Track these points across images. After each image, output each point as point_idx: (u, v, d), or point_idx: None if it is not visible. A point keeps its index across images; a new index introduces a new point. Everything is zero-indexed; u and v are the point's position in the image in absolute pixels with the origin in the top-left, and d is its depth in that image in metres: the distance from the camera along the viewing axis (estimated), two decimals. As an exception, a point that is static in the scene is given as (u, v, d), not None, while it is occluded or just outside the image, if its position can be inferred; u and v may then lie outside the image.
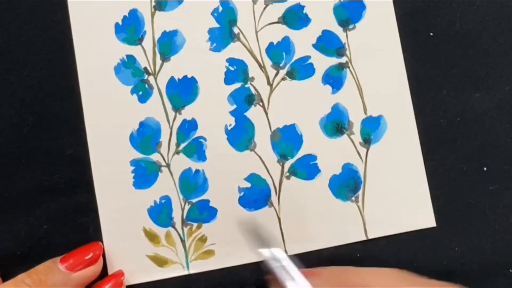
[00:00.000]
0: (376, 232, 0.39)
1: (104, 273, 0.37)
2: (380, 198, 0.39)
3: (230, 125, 0.39)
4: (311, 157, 0.39)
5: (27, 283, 0.34)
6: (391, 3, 0.40)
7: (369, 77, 0.40)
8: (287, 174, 0.39)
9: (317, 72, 0.40)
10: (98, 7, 0.39)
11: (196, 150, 0.39)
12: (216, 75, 0.39)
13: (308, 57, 0.40)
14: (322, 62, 0.40)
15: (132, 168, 0.38)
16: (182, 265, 0.38)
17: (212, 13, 0.40)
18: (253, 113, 0.39)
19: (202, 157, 0.39)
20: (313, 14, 0.40)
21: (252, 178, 0.39)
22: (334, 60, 0.40)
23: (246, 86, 0.39)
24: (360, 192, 0.39)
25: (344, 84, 0.40)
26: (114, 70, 0.39)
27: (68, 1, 0.39)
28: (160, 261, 0.38)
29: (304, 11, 0.40)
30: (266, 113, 0.39)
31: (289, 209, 0.38)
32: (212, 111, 0.39)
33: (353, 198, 0.39)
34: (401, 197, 0.39)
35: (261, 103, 0.39)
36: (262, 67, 0.39)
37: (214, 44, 0.39)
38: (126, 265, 0.38)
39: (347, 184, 0.39)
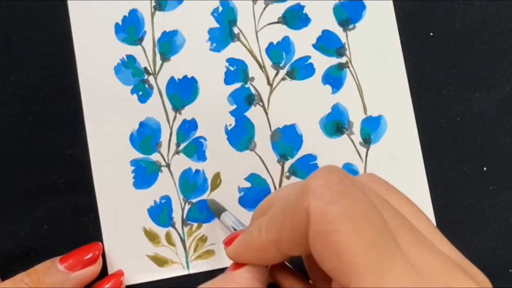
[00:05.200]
0: (376, 232, 0.39)
1: (104, 273, 0.37)
2: (380, 198, 0.39)
3: (230, 125, 0.39)
4: (311, 157, 0.39)
5: (26, 283, 0.34)
6: (391, 3, 0.40)
7: (369, 77, 0.40)
8: (287, 174, 0.39)
9: (317, 72, 0.40)
10: (98, 7, 0.39)
11: (196, 150, 0.39)
12: (216, 75, 0.39)
13: (308, 57, 0.40)
14: (322, 62, 0.40)
15: (132, 168, 0.38)
16: (182, 265, 0.38)
17: (212, 13, 0.40)
18: (253, 113, 0.39)
19: (202, 157, 0.39)
20: (313, 14, 0.40)
21: (252, 178, 0.39)
22: (334, 60, 0.40)
23: (246, 86, 0.39)
24: (360, 192, 0.39)
25: (344, 84, 0.40)
26: (114, 70, 0.39)
27: (68, 1, 0.39)
28: (160, 261, 0.38)
29: (304, 11, 0.40)
30: (266, 113, 0.39)
31: (289, 209, 0.38)
32: (212, 111, 0.39)
33: (353, 198, 0.39)
34: (401, 197, 0.39)
35: (261, 103, 0.39)
36: (262, 67, 0.39)
37: (214, 44, 0.39)
38: (126, 265, 0.38)
39: (347, 184, 0.39)
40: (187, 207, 0.38)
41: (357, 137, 0.39)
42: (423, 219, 0.26)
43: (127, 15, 0.39)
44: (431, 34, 0.40)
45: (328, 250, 0.22)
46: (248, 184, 0.39)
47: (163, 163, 0.39)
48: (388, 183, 0.28)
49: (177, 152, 0.39)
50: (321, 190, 0.23)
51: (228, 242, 0.28)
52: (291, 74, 0.39)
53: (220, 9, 0.40)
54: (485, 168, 0.39)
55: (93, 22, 0.39)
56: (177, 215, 0.38)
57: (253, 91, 0.39)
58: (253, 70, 0.39)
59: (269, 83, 0.39)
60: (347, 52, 0.40)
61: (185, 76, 0.39)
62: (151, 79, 0.39)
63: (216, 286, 0.26)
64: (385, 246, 0.22)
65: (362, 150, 0.39)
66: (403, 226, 0.24)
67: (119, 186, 0.38)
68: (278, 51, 0.40)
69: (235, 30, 0.40)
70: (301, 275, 0.28)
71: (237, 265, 0.27)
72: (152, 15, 0.39)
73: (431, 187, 0.39)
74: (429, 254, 0.23)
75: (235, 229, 0.33)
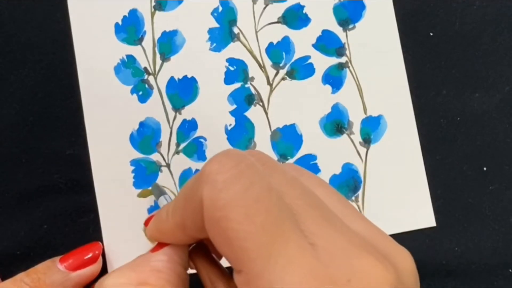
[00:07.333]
0: (376, 232, 0.39)
1: (104, 273, 0.37)
2: (380, 197, 0.39)
3: (230, 125, 0.39)
4: (311, 157, 0.39)
5: (26, 282, 0.34)
6: (391, 3, 0.40)
7: (369, 77, 0.40)
8: (287, 174, 0.39)
9: (317, 72, 0.40)
10: (98, 7, 0.39)
11: (196, 150, 0.39)
12: (216, 75, 0.39)
13: (308, 57, 0.40)
14: (322, 62, 0.40)
15: (132, 168, 0.38)
16: (182, 265, 0.38)
17: (212, 13, 0.40)
18: (253, 113, 0.39)
19: (202, 157, 0.39)
20: (313, 14, 0.40)
21: (252, 178, 0.39)
22: (334, 60, 0.40)
23: (246, 86, 0.39)
24: (360, 192, 0.39)
25: (344, 84, 0.40)
26: (114, 70, 0.39)
27: (68, 1, 0.39)
28: (160, 261, 0.38)
29: (304, 11, 0.40)
30: (266, 113, 0.39)
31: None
32: (212, 111, 0.39)
33: (353, 198, 0.39)
34: (401, 197, 0.39)
35: (261, 103, 0.39)
36: (262, 67, 0.39)
37: (214, 44, 0.39)
38: (126, 265, 0.38)
39: (347, 184, 0.39)
40: (187, 207, 0.38)
41: (357, 137, 0.39)
42: (336, 198, 0.25)
43: (127, 15, 0.39)
44: (431, 34, 0.40)
45: (220, 236, 0.22)
46: (248, 184, 0.39)
47: (163, 163, 0.39)
48: (304, 169, 0.27)
49: (177, 152, 0.39)
50: (214, 177, 0.22)
51: (146, 223, 0.28)
52: (291, 74, 0.40)
53: (220, 9, 0.40)
54: (485, 168, 0.39)
55: (93, 22, 0.39)
56: (177, 215, 0.38)
57: (253, 91, 0.39)
58: (253, 70, 0.39)
59: (269, 83, 0.39)
60: (347, 52, 0.40)
61: (185, 76, 0.39)
62: (151, 79, 0.39)
63: (131, 268, 0.26)
64: (278, 229, 0.22)
65: (362, 150, 0.39)
66: (309, 205, 0.23)
67: (119, 186, 0.38)
68: (278, 51, 0.40)
69: (235, 30, 0.40)
70: (217, 260, 0.29)
71: (158, 246, 0.27)
72: (152, 15, 0.39)
73: (431, 187, 0.39)
74: (334, 233, 0.22)
75: None
